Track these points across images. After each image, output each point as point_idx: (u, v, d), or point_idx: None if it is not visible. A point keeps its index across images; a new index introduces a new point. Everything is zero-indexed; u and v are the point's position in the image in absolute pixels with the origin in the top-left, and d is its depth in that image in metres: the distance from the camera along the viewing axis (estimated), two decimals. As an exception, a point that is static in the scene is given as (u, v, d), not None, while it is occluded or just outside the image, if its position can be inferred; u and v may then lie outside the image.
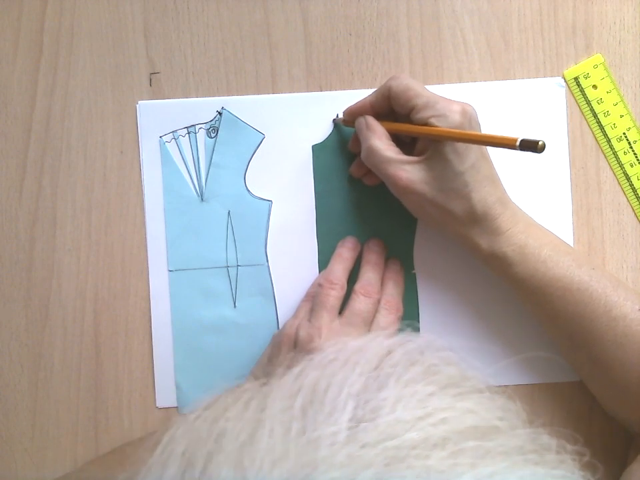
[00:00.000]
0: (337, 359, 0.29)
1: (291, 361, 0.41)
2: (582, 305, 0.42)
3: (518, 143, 0.36)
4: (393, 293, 0.46)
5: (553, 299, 0.42)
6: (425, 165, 0.41)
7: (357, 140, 0.46)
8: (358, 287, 0.45)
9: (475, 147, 0.41)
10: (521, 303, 0.45)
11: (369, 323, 0.44)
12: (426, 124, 0.41)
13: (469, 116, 0.40)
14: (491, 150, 0.42)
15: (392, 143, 0.43)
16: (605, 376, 0.43)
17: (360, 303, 0.44)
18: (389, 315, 0.44)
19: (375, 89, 0.44)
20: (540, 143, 0.35)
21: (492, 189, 0.41)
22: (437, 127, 0.40)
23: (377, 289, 0.45)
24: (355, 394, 0.26)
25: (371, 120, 0.44)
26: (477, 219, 0.41)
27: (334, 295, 0.44)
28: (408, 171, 0.41)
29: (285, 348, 0.42)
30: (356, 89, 0.48)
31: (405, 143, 0.45)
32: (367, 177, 0.47)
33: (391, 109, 0.43)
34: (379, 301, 0.45)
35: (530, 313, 0.46)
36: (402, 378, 0.27)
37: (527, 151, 0.36)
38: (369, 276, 0.45)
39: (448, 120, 0.40)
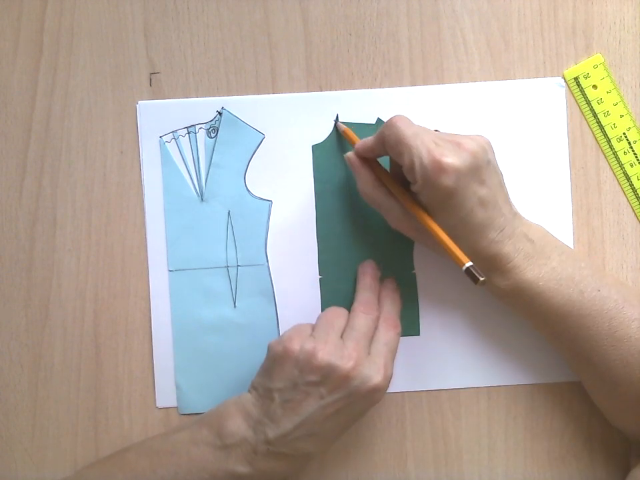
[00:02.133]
0: None
1: (295, 378, 0.41)
2: (584, 328, 0.41)
3: (464, 269, 0.38)
4: (390, 311, 0.46)
5: (553, 323, 0.42)
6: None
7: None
8: (357, 305, 0.45)
9: (467, 200, 0.39)
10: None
11: (370, 339, 0.43)
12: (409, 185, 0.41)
13: (455, 177, 0.38)
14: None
15: (379, 183, 0.43)
16: (612, 392, 0.42)
17: (360, 319, 0.44)
18: (388, 332, 0.44)
19: (375, 134, 0.43)
20: (480, 280, 0.37)
21: (480, 237, 0.41)
22: (420, 192, 0.40)
23: (376, 306, 0.45)
24: None
25: (355, 161, 0.44)
26: (471, 259, 0.39)
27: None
28: (395, 216, 0.43)
29: (289, 364, 0.41)
30: (356, 88, 0.48)
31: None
32: None
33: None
34: (377, 318, 0.45)
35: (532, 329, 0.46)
36: None
37: (469, 277, 0.38)
38: (366, 295, 0.46)
39: (432, 186, 0.39)
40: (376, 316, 0.44)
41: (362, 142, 0.44)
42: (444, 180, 0.38)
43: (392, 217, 0.43)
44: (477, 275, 0.37)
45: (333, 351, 0.41)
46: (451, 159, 0.38)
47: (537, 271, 0.41)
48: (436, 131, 0.42)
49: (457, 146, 0.39)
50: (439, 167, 0.38)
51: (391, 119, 0.41)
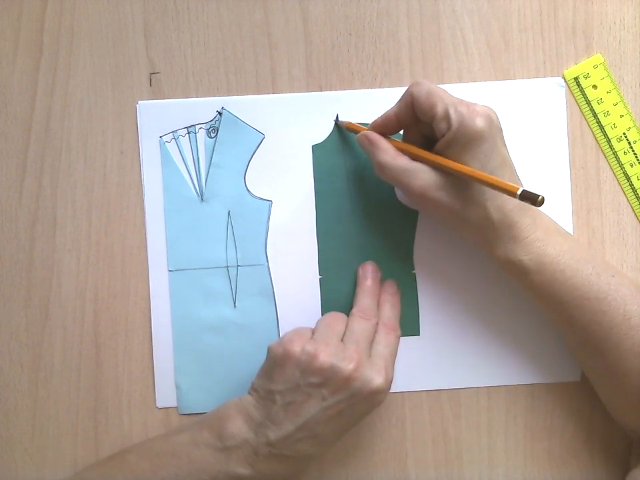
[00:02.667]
0: None
1: (297, 380, 0.41)
2: (600, 313, 0.41)
3: (519, 193, 0.36)
4: (390, 316, 0.46)
5: (570, 307, 0.42)
6: (438, 171, 0.40)
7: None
8: (356, 311, 0.45)
9: (495, 153, 0.40)
10: (536, 308, 0.45)
11: (369, 342, 0.43)
12: (444, 135, 0.40)
13: (489, 122, 0.39)
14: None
15: (399, 152, 0.42)
16: (619, 384, 0.42)
17: (359, 324, 0.44)
18: (388, 335, 0.44)
19: (397, 100, 0.42)
20: (540, 197, 0.35)
21: (505, 199, 0.40)
22: (453, 140, 0.39)
23: (375, 312, 0.45)
24: None
25: (373, 135, 0.43)
26: (493, 227, 0.41)
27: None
28: (422, 178, 0.41)
29: (291, 366, 0.41)
30: (356, 88, 0.48)
31: (428, 137, 0.43)
32: None
33: (416, 117, 0.42)
34: (376, 324, 0.45)
35: (545, 318, 0.46)
36: None
37: (527, 202, 0.36)
38: (365, 301, 0.46)
39: (468, 129, 0.39)
40: (375, 322, 0.45)
41: (383, 115, 0.43)
42: (479, 122, 0.39)
43: (418, 182, 0.41)
44: (534, 194, 0.36)
45: (334, 353, 0.41)
46: (480, 107, 0.40)
47: (558, 247, 0.41)
48: None
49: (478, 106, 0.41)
50: (474, 110, 0.39)
51: (413, 82, 0.41)
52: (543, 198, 0.35)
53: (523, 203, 0.38)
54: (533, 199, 0.35)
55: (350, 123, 0.47)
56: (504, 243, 0.41)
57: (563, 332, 0.45)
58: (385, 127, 0.43)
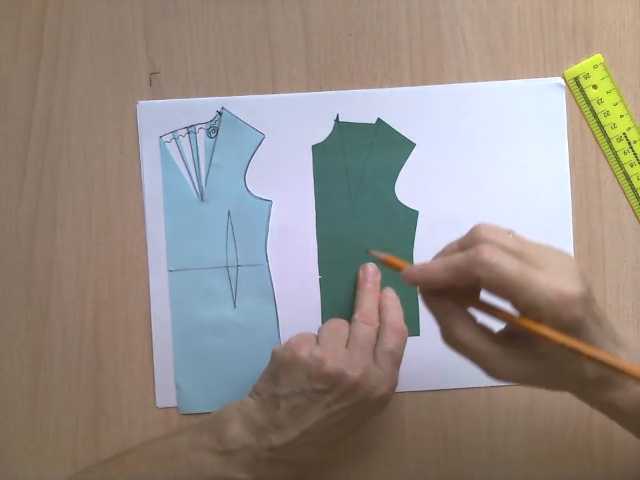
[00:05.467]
0: None
1: (303, 385, 0.41)
2: None
3: None
4: (394, 316, 0.45)
5: None
6: (526, 357, 0.34)
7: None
8: (358, 316, 0.44)
9: (591, 316, 0.33)
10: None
11: (373, 347, 0.43)
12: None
13: (586, 302, 0.33)
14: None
15: (479, 326, 0.35)
16: None
17: (362, 329, 0.43)
18: (395, 337, 0.44)
19: (446, 266, 0.34)
20: None
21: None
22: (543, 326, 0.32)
23: (376, 316, 0.45)
24: None
25: (451, 306, 0.35)
26: (593, 383, 0.35)
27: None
28: (507, 366, 0.34)
29: (297, 370, 0.41)
30: (356, 88, 0.48)
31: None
32: None
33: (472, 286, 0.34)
34: (378, 328, 0.44)
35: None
36: None
37: None
38: (367, 305, 0.45)
39: (563, 318, 0.32)
40: (377, 326, 0.44)
41: (424, 271, 0.35)
42: (574, 311, 0.32)
43: (504, 370, 0.34)
44: None
45: (341, 359, 0.41)
46: (573, 286, 0.32)
47: None
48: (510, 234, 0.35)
49: (564, 268, 0.33)
50: (566, 299, 0.32)
51: (476, 252, 0.32)
52: None
53: (616, 338, 0.35)
54: None
55: (387, 257, 0.38)
56: (602, 393, 0.35)
57: None
58: (432, 284, 0.35)
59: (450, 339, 0.35)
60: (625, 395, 0.35)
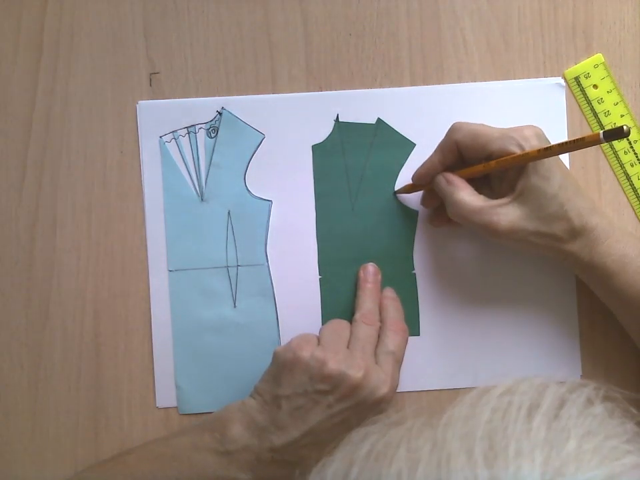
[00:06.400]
0: (511, 403, 0.28)
1: (305, 386, 0.41)
2: None
3: (602, 136, 0.36)
4: (395, 316, 0.46)
5: None
6: (517, 202, 0.41)
7: (430, 196, 0.46)
8: (359, 316, 0.45)
9: (557, 166, 0.41)
10: (615, 315, 0.45)
11: (374, 348, 0.43)
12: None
13: (541, 138, 0.41)
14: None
15: (475, 192, 0.43)
16: None
17: (363, 329, 0.44)
18: (396, 337, 0.44)
19: (436, 147, 0.44)
20: (624, 127, 0.35)
21: (583, 202, 0.42)
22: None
23: (377, 317, 0.45)
24: (540, 445, 0.25)
25: (450, 176, 0.44)
26: (577, 234, 0.42)
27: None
28: (504, 214, 0.42)
29: (299, 371, 0.41)
30: (356, 88, 0.48)
31: (481, 188, 0.44)
32: (451, 222, 0.46)
33: (460, 159, 0.44)
34: (379, 328, 0.45)
35: (622, 322, 0.45)
36: (579, 431, 0.26)
37: (614, 139, 0.36)
38: (367, 305, 0.46)
39: (526, 148, 0.41)
40: (378, 326, 0.45)
41: (426, 163, 0.45)
42: (533, 142, 0.41)
43: (504, 218, 0.42)
44: (617, 128, 0.36)
45: (343, 360, 0.41)
46: (528, 129, 0.42)
47: (637, 248, 0.42)
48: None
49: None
50: (521, 132, 0.41)
51: (452, 128, 0.43)
52: (628, 127, 0.36)
53: (594, 205, 0.42)
54: (618, 133, 0.36)
55: (409, 185, 0.47)
56: (587, 248, 0.42)
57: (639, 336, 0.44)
58: (430, 175, 0.45)
59: (455, 205, 0.43)
60: (609, 251, 0.42)
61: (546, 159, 0.41)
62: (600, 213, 0.42)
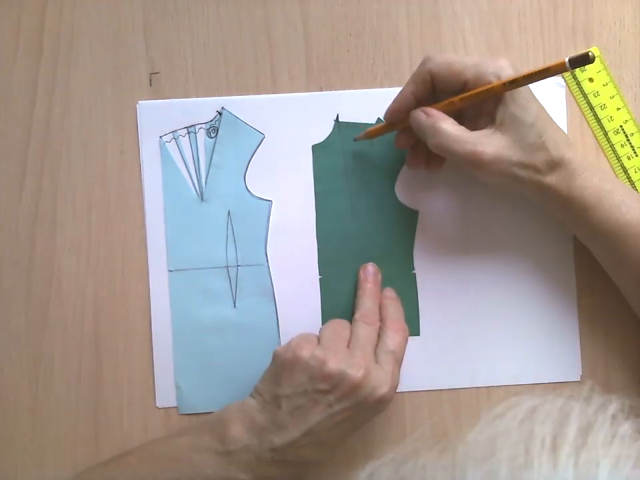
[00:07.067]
0: (533, 434, 0.27)
1: (305, 385, 0.41)
2: None
3: (567, 64, 0.37)
4: (395, 315, 0.46)
5: (625, 245, 0.42)
6: (499, 132, 0.42)
7: (404, 136, 0.46)
8: (359, 316, 0.45)
9: (532, 96, 0.42)
10: (590, 250, 0.45)
11: (374, 348, 0.43)
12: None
13: (516, 68, 0.42)
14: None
15: (457, 122, 0.42)
16: None
17: (363, 329, 0.44)
18: (396, 337, 0.44)
19: (409, 79, 0.43)
20: (589, 52, 0.36)
21: (559, 133, 0.42)
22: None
23: (377, 316, 0.45)
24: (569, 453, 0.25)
25: (428, 109, 0.43)
26: (555, 166, 0.42)
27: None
28: (489, 144, 0.41)
29: (299, 370, 0.41)
30: (356, 88, 0.48)
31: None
32: (429, 164, 0.47)
33: (433, 92, 0.43)
34: (379, 328, 0.44)
35: (598, 258, 0.45)
36: (606, 463, 0.26)
37: (579, 66, 0.37)
38: (367, 306, 0.46)
39: (502, 77, 0.41)
40: (378, 326, 0.44)
41: (397, 98, 0.44)
42: (508, 71, 0.41)
43: (488, 148, 0.41)
44: (582, 53, 0.36)
45: (343, 360, 0.41)
46: (504, 59, 0.42)
47: (611, 182, 0.42)
48: None
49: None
50: (495, 62, 0.42)
51: (425, 59, 0.42)
52: (593, 53, 0.36)
53: (569, 138, 0.43)
54: (584, 58, 0.36)
55: (370, 130, 0.46)
56: (566, 181, 0.42)
57: (616, 273, 0.45)
58: (404, 110, 0.44)
59: (438, 135, 0.42)
60: (586, 184, 0.42)
61: (523, 89, 0.41)
62: (574, 147, 0.43)
